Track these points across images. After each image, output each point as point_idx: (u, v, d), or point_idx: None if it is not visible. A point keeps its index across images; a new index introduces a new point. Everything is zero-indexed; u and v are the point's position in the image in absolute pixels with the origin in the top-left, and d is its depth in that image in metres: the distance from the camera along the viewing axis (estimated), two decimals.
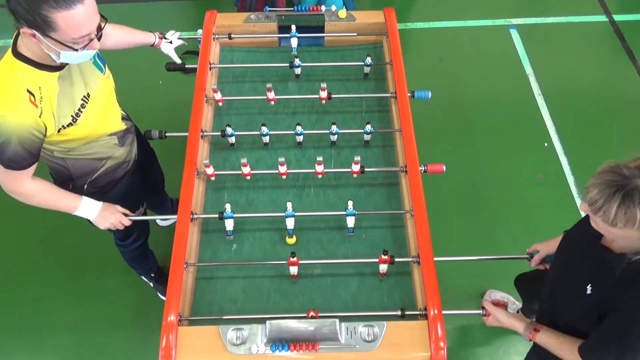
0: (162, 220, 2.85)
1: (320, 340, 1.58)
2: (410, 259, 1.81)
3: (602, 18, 3.92)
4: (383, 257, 1.74)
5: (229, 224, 1.87)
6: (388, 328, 1.60)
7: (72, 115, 1.61)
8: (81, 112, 1.63)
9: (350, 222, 1.88)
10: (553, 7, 3.99)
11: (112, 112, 1.82)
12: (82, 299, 2.64)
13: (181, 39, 2.26)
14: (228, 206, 1.83)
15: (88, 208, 1.79)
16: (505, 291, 2.60)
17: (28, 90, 1.50)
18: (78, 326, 2.57)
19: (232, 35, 2.38)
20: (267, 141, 2.11)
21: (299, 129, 2.04)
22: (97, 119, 1.71)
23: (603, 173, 1.22)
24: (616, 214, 1.17)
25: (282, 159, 1.93)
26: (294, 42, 2.32)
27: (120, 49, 2.05)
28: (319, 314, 1.69)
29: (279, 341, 1.58)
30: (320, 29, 2.41)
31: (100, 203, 1.83)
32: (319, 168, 1.96)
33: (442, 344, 1.58)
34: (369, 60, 2.27)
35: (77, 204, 1.77)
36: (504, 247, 2.81)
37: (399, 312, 1.69)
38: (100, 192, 1.89)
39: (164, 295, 2.58)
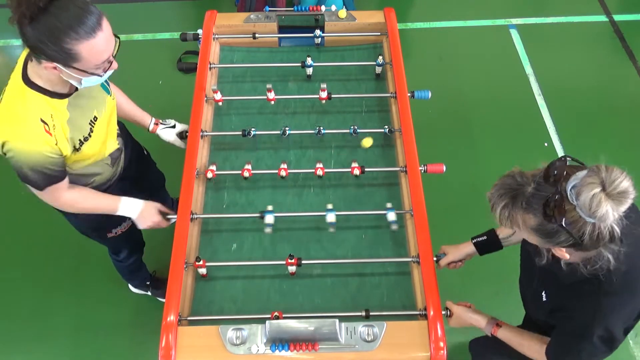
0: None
1: (320, 340, 1.58)
2: (410, 259, 1.81)
3: (602, 18, 3.92)
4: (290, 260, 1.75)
5: (269, 218, 1.88)
6: (388, 328, 1.60)
7: (80, 140, 1.61)
8: (88, 138, 1.63)
9: (331, 218, 1.87)
10: (553, 7, 3.99)
11: (112, 133, 1.81)
12: (82, 300, 2.64)
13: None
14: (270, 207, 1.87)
15: (129, 207, 1.83)
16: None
17: (42, 120, 1.49)
18: (78, 326, 2.57)
19: (257, 35, 2.38)
20: (286, 135, 2.10)
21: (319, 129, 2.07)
22: (100, 143, 1.71)
23: (503, 177, 1.29)
24: (501, 215, 1.24)
25: (284, 166, 1.93)
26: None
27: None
28: (319, 314, 1.69)
29: (278, 341, 1.58)
30: (320, 29, 2.41)
31: (142, 202, 1.85)
32: (319, 171, 1.97)
33: (442, 344, 1.58)
34: (380, 59, 2.27)
35: (117, 205, 1.81)
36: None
37: (365, 313, 1.69)
38: None
39: (164, 297, 2.60)
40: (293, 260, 1.74)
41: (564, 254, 1.22)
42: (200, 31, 2.35)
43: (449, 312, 1.69)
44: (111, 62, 1.49)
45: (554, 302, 1.44)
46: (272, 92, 2.15)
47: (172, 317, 1.61)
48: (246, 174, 1.97)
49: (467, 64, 3.62)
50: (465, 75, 3.56)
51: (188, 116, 2.09)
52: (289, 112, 2.26)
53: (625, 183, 1.12)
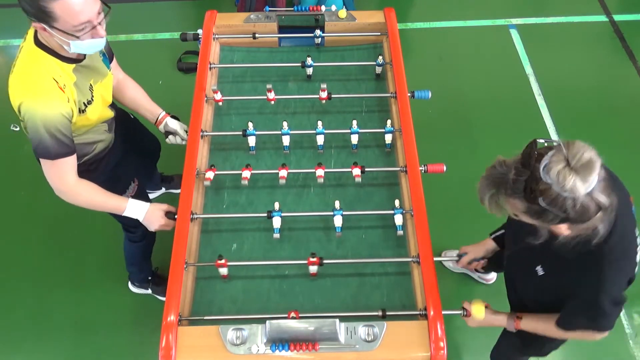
0: (151, 193, 2.84)
1: (320, 340, 1.58)
2: (410, 259, 1.81)
3: (602, 18, 3.92)
4: (311, 259, 1.75)
5: (277, 222, 1.87)
6: (388, 328, 1.60)
7: (84, 103, 1.70)
8: (91, 102, 1.73)
9: (338, 221, 1.87)
10: (553, 7, 3.99)
11: (108, 102, 1.90)
12: (82, 300, 2.64)
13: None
14: (277, 205, 1.86)
15: (135, 209, 1.86)
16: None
17: (54, 79, 1.59)
18: (78, 326, 2.57)
19: (257, 35, 2.39)
20: (288, 143, 2.11)
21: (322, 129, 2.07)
22: (100, 109, 1.81)
23: (487, 169, 1.33)
24: (490, 205, 1.30)
25: (283, 172, 1.93)
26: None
27: (130, 107, 2.13)
28: (319, 314, 1.69)
29: (279, 341, 1.58)
30: (320, 29, 2.41)
31: (148, 204, 1.88)
32: (319, 171, 1.98)
33: (442, 344, 1.58)
34: (380, 59, 2.27)
35: (124, 205, 1.84)
36: None
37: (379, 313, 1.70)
38: (86, 170, 1.91)
39: (164, 295, 2.59)
40: (315, 259, 1.73)
41: (562, 230, 1.27)
42: (200, 31, 2.35)
43: (465, 312, 1.69)
44: (94, 27, 1.53)
45: (553, 276, 1.48)
46: (272, 92, 2.15)
47: (172, 317, 1.61)
48: (246, 178, 1.97)
49: (467, 64, 3.62)
50: (465, 75, 3.56)
51: (188, 116, 2.09)
52: (289, 112, 2.26)
53: (587, 154, 1.16)
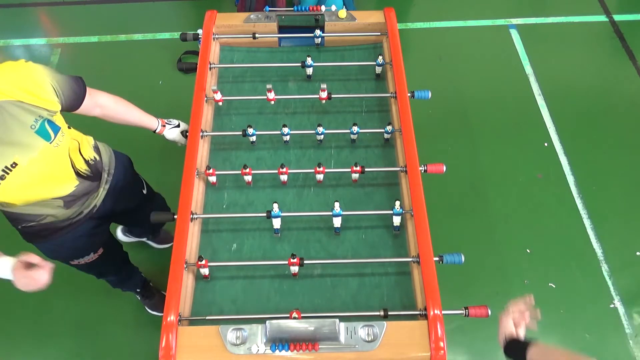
0: (124, 235, 2.79)
1: (320, 340, 1.58)
2: (410, 259, 1.81)
3: (602, 18, 3.92)
4: (292, 260, 1.74)
5: (277, 223, 1.87)
6: (388, 328, 1.60)
7: None
8: (2, 180, 1.50)
9: (337, 223, 1.88)
10: (553, 7, 3.99)
11: (57, 178, 1.67)
12: (81, 299, 2.64)
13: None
14: (276, 206, 1.84)
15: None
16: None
17: None
18: (78, 326, 2.57)
19: (257, 35, 2.38)
20: (288, 139, 2.11)
21: (320, 129, 2.05)
22: (26, 188, 1.58)
23: None
24: None
25: (283, 170, 1.93)
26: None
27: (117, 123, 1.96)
28: (319, 314, 1.69)
29: (279, 341, 1.58)
30: (320, 29, 2.41)
31: (9, 269, 1.58)
32: (319, 176, 1.98)
33: (442, 344, 1.58)
34: (380, 59, 2.27)
35: None
36: (504, 247, 2.82)
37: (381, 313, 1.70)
38: (36, 235, 1.83)
39: (152, 309, 2.60)
40: (295, 260, 1.74)
41: None
42: (200, 31, 2.35)
43: (466, 312, 1.64)
44: None
45: None
46: (272, 92, 2.15)
47: (172, 317, 1.61)
48: (248, 178, 1.97)
49: (467, 64, 3.62)
50: (465, 75, 3.56)
51: (188, 116, 2.09)
52: (289, 112, 2.26)
53: None
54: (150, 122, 2.03)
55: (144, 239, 2.80)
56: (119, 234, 2.78)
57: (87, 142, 1.84)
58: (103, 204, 1.91)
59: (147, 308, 2.62)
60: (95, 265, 2.06)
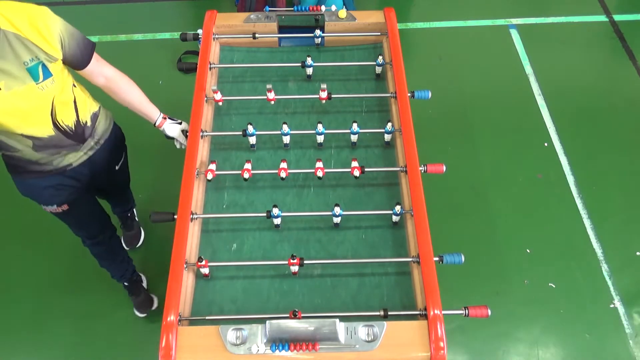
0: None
1: (320, 340, 1.58)
2: (410, 259, 1.81)
3: (602, 18, 3.92)
4: (292, 260, 1.75)
5: (277, 222, 1.90)
6: (388, 328, 1.60)
7: None
8: None
9: (337, 222, 1.91)
10: (553, 7, 3.99)
11: (32, 119, 1.73)
12: (81, 300, 2.64)
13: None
14: (276, 210, 1.85)
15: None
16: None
17: None
18: (77, 326, 2.57)
19: (257, 35, 2.38)
20: (288, 142, 2.11)
21: (320, 128, 2.06)
22: (3, 115, 1.66)
23: None
24: None
25: (283, 164, 1.93)
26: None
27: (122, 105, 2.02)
28: (319, 314, 1.69)
29: (279, 341, 1.58)
30: (320, 29, 2.41)
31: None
32: (319, 172, 1.98)
33: (442, 344, 1.58)
34: (380, 59, 2.27)
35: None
36: (504, 247, 2.82)
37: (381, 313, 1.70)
38: (12, 169, 1.89)
39: (138, 310, 2.59)
40: (295, 261, 1.74)
41: None
42: (200, 31, 2.35)
43: (466, 312, 1.66)
44: None
45: None
46: (272, 92, 2.15)
47: (172, 317, 1.61)
48: (246, 175, 1.97)
49: (467, 64, 3.62)
50: (465, 75, 3.56)
51: (188, 116, 2.09)
52: (289, 112, 2.26)
53: None
54: (152, 110, 2.07)
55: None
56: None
57: (88, 106, 1.90)
58: (81, 167, 1.96)
59: (135, 309, 2.60)
60: (66, 220, 2.13)
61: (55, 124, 1.79)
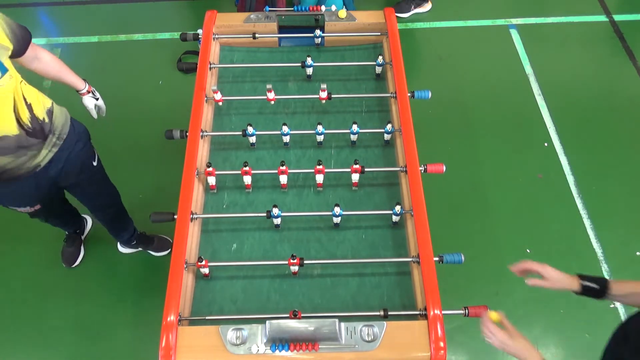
0: (123, 247, 2.78)
1: (320, 340, 1.58)
2: (410, 259, 1.81)
3: (602, 18, 3.92)
4: (292, 260, 1.75)
5: (277, 222, 1.91)
6: (388, 328, 1.60)
7: None
8: None
9: (337, 222, 1.92)
10: (553, 7, 3.99)
11: (0, 118, 1.72)
12: (81, 300, 2.64)
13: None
14: (275, 210, 1.85)
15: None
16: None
17: None
18: (78, 326, 2.57)
19: (257, 35, 2.38)
20: (288, 141, 2.12)
21: (320, 128, 2.05)
22: None
23: None
24: None
25: (283, 167, 1.93)
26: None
27: (50, 78, 2.05)
28: (319, 314, 1.69)
29: (279, 341, 1.58)
30: (320, 29, 2.41)
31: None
32: (319, 178, 1.98)
33: (442, 344, 1.58)
34: (380, 59, 2.27)
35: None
36: (504, 246, 2.81)
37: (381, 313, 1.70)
38: None
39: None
40: (295, 260, 1.74)
41: None
42: (200, 31, 2.35)
43: (466, 312, 1.64)
44: None
45: None
46: (272, 92, 2.15)
47: (172, 317, 1.61)
48: (247, 180, 1.97)
49: (467, 64, 3.62)
50: (465, 75, 3.56)
51: (188, 116, 2.09)
52: (289, 112, 2.26)
53: None
54: (78, 82, 2.09)
55: (142, 249, 2.78)
56: (119, 246, 2.77)
57: (41, 103, 1.88)
58: (49, 166, 1.94)
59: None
60: (36, 214, 2.17)
61: (18, 121, 1.77)
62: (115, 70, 3.50)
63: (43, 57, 1.96)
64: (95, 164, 2.17)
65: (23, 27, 1.80)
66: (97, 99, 2.18)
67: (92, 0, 3.96)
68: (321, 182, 2.01)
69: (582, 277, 1.54)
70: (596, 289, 1.52)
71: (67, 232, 2.67)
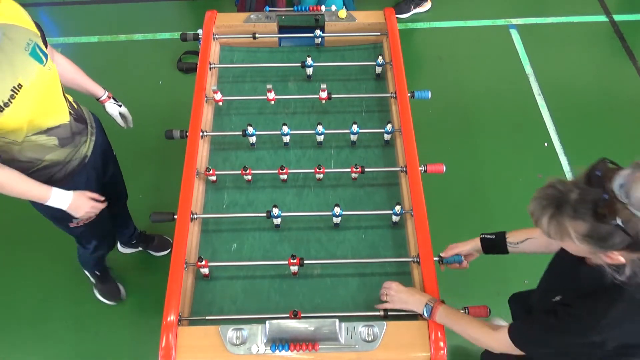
0: (123, 247, 2.78)
1: (320, 340, 1.58)
2: (410, 259, 1.81)
3: (602, 18, 3.92)
4: (292, 260, 1.75)
5: (277, 222, 1.91)
6: (388, 328, 1.60)
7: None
8: (11, 102, 1.53)
9: (336, 222, 1.92)
10: (553, 7, 3.99)
11: (53, 105, 1.73)
12: (82, 299, 2.64)
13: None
14: (276, 210, 1.85)
15: (60, 198, 1.78)
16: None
17: None
18: (78, 326, 2.57)
19: (257, 35, 2.38)
20: (288, 141, 2.12)
21: (320, 128, 2.05)
22: (31, 111, 1.62)
23: (543, 188, 1.25)
24: (549, 227, 1.22)
25: (283, 171, 1.93)
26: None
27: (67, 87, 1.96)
28: (319, 314, 1.69)
29: (279, 341, 1.58)
30: (320, 29, 2.41)
31: (71, 193, 1.81)
32: (319, 176, 1.98)
33: (442, 344, 1.58)
34: (380, 59, 2.27)
35: (49, 194, 1.75)
36: None
37: (381, 313, 1.70)
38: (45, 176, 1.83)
39: (103, 296, 2.60)
40: (295, 260, 1.74)
41: (619, 258, 1.17)
42: (200, 31, 2.35)
43: (466, 311, 1.67)
44: None
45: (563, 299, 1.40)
46: (272, 92, 2.15)
47: (172, 317, 1.61)
48: (247, 177, 1.97)
49: (467, 64, 3.62)
50: (465, 75, 3.56)
51: (188, 116, 2.09)
52: (289, 112, 2.26)
53: None
54: (96, 89, 2.07)
55: (141, 249, 2.78)
56: (119, 246, 2.77)
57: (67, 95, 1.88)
58: (93, 156, 1.94)
59: (97, 293, 2.62)
60: (91, 230, 2.09)
61: (70, 105, 1.80)
62: (115, 70, 3.49)
63: (59, 60, 1.92)
64: (114, 154, 2.20)
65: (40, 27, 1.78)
66: (119, 106, 2.14)
67: (92, 0, 3.96)
68: (321, 177, 2.01)
69: (482, 234, 1.75)
70: (493, 238, 1.73)
71: (97, 273, 2.54)
